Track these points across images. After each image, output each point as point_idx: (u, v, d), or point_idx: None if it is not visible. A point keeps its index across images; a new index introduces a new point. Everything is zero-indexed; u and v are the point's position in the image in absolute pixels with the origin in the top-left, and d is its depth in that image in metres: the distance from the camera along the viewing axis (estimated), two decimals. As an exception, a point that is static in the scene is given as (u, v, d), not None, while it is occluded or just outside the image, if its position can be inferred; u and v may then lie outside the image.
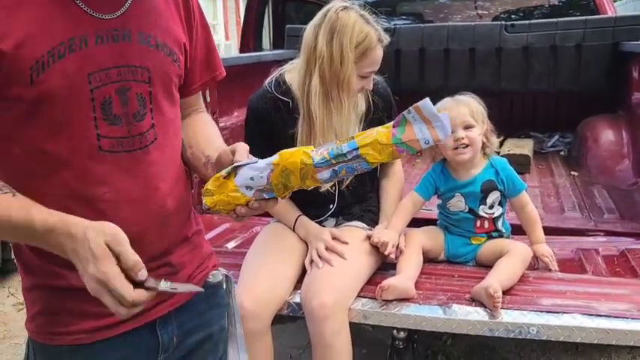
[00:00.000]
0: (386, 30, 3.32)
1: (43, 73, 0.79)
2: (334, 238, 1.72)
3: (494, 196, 1.80)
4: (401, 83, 3.40)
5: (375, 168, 1.93)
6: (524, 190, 1.82)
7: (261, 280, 1.64)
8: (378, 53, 1.70)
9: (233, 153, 0.91)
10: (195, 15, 1.01)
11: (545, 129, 3.56)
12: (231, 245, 2.08)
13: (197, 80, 1.06)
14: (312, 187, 0.93)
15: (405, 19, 4.06)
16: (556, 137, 3.46)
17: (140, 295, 0.76)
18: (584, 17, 3.16)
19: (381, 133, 0.86)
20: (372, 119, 1.80)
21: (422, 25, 3.45)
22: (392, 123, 0.86)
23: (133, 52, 0.87)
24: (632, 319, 1.45)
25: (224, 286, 1.10)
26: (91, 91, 0.83)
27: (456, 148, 1.75)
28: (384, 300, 1.60)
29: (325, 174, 0.87)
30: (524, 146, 3.05)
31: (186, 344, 1.02)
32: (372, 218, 1.88)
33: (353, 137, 0.87)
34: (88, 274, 0.75)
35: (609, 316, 1.47)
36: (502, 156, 2.92)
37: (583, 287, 1.64)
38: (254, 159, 0.91)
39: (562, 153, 3.30)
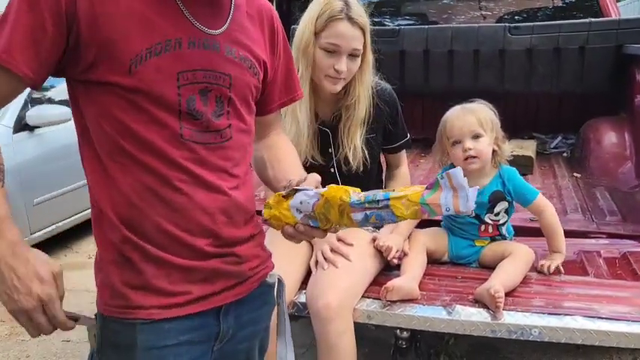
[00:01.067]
0: (390, 31, 3.40)
1: (141, 65, 0.91)
2: (339, 239, 1.74)
3: (502, 206, 1.82)
4: (405, 84, 3.42)
5: (379, 168, 1.99)
6: (536, 197, 1.81)
7: None
8: (341, 26, 1.65)
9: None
10: (279, 39, 1.14)
11: (548, 130, 3.58)
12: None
13: (276, 100, 1.18)
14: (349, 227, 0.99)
15: (408, 19, 4.08)
16: (559, 139, 3.47)
17: (67, 321, 0.94)
18: (587, 20, 3.17)
19: (414, 192, 0.92)
20: (376, 125, 1.82)
21: (426, 26, 3.45)
22: (426, 185, 0.92)
23: (219, 60, 0.99)
24: (632, 321, 1.47)
25: (276, 288, 1.17)
26: (178, 87, 0.94)
27: (466, 159, 1.77)
28: (388, 301, 1.63)
29: (359, 215, 0.95)
30: (527, 147, 3.06)
31: (238, 337, 1.08)
32: (376, 220, 1.90)
33: (393, 189, 0.95)
34: (30, 292, 0.88)
35: (610, 319, 1.49)
36: (504, 157, 2.98)
37: (585, 289, 1.66)
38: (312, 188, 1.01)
39: (565, 154, 3.32)
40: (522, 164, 2.91)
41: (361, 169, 1.81)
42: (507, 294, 1.63)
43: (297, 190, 1.00)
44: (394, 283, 1.63)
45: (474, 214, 1.81)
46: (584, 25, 3.10)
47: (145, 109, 0.93)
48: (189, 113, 0.95)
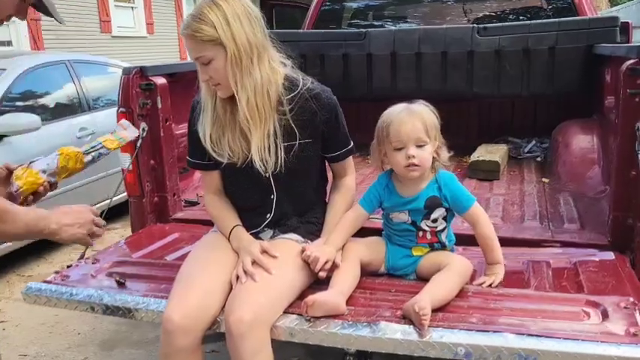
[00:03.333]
0: (356, 34, 3.32)
1: None
2: (264, 251, 1.65)
3: (439, 212, 1.73)
4: (373, 87, 3.34)
5: (323, 177, 1.90)
6: (472, 205, 1.72)
7: (193, 293, 1.58)
8: (184, 42, 1.68)
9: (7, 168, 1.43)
10: None
11: (523, 134, 3.48)
12: (171, 257, 2.03)
13: None
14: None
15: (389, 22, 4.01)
16: (533, 143, 3.36)
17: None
18: (557, 19, 3.08)
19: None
20: (312, 131, 1.74)
21: (392, 28, 3.37)
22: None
23: None
24: (563, 339, 1.37)
25: None
26: None
27: (407, 166, 1.68)
28: (311, 317, 1.54)
29: (88, 157, 1.76)
30: (495, 152, 2.96)
31: None
32: (310, 230, 1.81)
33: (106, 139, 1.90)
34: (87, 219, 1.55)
35: (540, 336, 1.38)
36: (471, 162, 2.88)
37: (521, 304, 1.56)
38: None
39: (538, 159, 3.21)
40: (488, 170, 2.82)
41: (287, 170, 1.71)
42: (439, 309, 1.53)
43: (32, 162, 1.62)
44: (316, 297, 1.53)
45: (410, 221, 1.72)
46: (553, 25, 3.00)
47: None
48: None
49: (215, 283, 1.63)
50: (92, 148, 1.76)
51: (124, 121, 1.87)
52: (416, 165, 1.67)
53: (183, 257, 1.99)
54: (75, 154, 1.67)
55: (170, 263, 1.96)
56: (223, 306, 1.60)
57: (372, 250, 1.79)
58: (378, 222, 1.94)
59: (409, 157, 1.66)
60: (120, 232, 4.41)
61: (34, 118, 3.80)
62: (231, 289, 1.64)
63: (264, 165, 1.69)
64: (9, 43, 8.64)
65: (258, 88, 1.65)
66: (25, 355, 2.87)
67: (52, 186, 1.70)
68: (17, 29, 8.70)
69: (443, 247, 1.76)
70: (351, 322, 1.52)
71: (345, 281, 1.66)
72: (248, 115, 1.65)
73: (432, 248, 1.75)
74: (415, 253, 1.75)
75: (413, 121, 1.67)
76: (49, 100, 4.44)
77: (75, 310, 1.74)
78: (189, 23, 1.61)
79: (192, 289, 1.59)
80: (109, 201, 2.46)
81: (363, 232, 1.87)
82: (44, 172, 1.56)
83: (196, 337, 1.56)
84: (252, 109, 1.65)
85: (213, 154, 1.73)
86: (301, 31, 3.90)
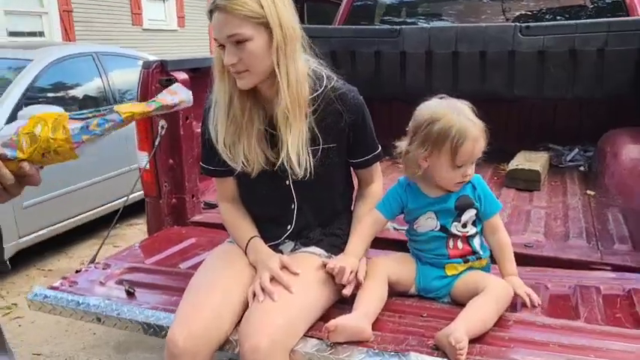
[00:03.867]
0: (390, 31, 3.15)
1: None
2: (284, 266, 1.51)
3: (469, 214, 1.57)
4: (406, 86, 3.17)
5: (349, 184, 1.75)
6: (498, 211, 1.59)
7: (200, 313, 1.44)
8: (214, 18, 1.44)
9: None
10: None
11: (566, 141, 3.26)
12: (186, 265, 1.90)
13: None
14: (62, 149, 0.88)
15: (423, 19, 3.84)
16: (576, 151, 3.14)
17: None
18: (607, 19, 2.85)
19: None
20: (336, 134, 1.59)
21: (428, 26, 3.19)
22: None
23: None
24: (622, 385, 1.19)
25: None
26: None
27: (459, 182, 1.53)
28: (333, 342, 1.39)
29: (77, 125, 0.87)
30: (536, 160, 2.76)
31: None
32: (334, 243, 1.66)
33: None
34: None
35: (594, 380, 1.21)
36: (509, 171, 2.69)
37: (571, 338, 1.38)
38: None
39: (582, 168, 2.99)
40: (528, 179, 2.63)
41: (310, 176, 1.53)
42: (476, 340, 1.37)
43: None
44: (338, 321, 1.38)
45: (439, 227, 1.56)
46: (602, 25, 2.78)
47: None
48: None
49: (226, 301, 1.48)
50: (94, 112, 0.96)
51: (177, 85, 1.07)
52: (466, 182, 1.55)
53: (198, 266, 1.86)
54: (54, 118, 0.88)
55: (184, 272, 1.84)
56: (237, 324, 1.47)
57: (402, 267, 1.63)
58: (403, 232, 1.78)
59: (465, 175, 1.52)
60: (142, 227, 4.33)
61: (58, 110, 3.74)
62: (245, 306, 1.50)
63: (293, 170, 1.52)
64: (41, 34, 8.69)
65: (300, 79, 1.49)
66: (39, 355, 2.80)
67: (17, 167, 0.87)
68: (50, 20, 8.75)
69: (478, 258, 1.59)
70: (376, 351, 1.36)
71: (370, 302, 1.50)
72: (289, 106, 1.47)
73: (466, 262, 1.59)
74: (449, 272, 1.59)
75: (480, 139, 1.50)
76: (75, 92, 4.40)
77: (81, 320, 1.63)
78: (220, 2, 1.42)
79: (199, 308, 1.45)
80: (125, 198, 2.34)
81: (387, 245, 1.71)
82: None
83: None
84: (294, 102, 1.48)
85: (226, 159, 1.57)
86: (332, 26, 3.74)
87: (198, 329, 1.40)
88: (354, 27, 3.55)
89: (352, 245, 1.59)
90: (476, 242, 1.58)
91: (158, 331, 1.53)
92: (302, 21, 3.72)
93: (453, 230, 1.57)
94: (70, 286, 1.73)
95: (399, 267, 1.62)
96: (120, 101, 4.59)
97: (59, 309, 1.63)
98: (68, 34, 8.94)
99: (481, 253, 1.59)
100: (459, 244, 1.58)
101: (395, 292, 1.60)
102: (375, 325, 1.46)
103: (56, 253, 4.08)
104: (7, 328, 3.02)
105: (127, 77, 4.84)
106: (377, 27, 3.68)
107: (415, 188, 1.61)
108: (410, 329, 1.45)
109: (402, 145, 1.58)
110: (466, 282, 1.55)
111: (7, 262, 3.57)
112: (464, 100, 1.56)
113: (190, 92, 1.06)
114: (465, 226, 1.57)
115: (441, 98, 1.57)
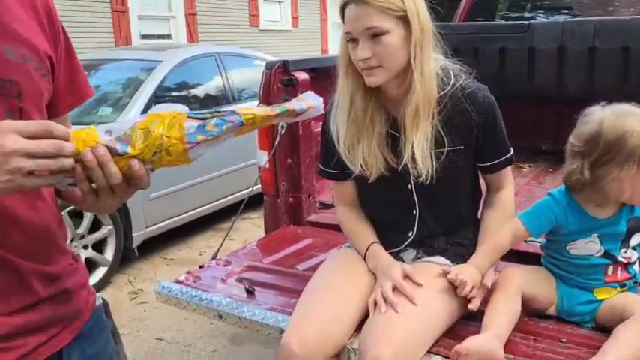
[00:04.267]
0: (518, 26, 2.94)
1: None
2: (406, 276, 1.43)
3: (637, 239, 1.39)
4: (535, 85, 2.95)
5: (477, 190, 1.63)
6: None
7: (315, 318, 1.41)
8: (349, 11, 1.39)
9: None
10: (56, 22, 0.91)
11: None
12: (303, 266, 1.89)
13: (62, 101, 0.94)
14: (177, 147, 0.80)
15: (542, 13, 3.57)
16: None
17: None
18: None
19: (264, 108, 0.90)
20: (464, 136, 1.48)
21: (561, 19, 2.94)
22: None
23: (0, 64, 0.78)
24: None
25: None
26: None
27: None
28: (460, 363, 1.29)
29: (193, 123, 0.81)
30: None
31: None
32: (460, 253, 1.55)
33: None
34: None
35: None
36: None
37: None
38: None
39: None
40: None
41: (433, 181, 1.45)
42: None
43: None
44: (469, 345, 1.27)
45: (602, 252, 1.39)
46: None
47: None
48: None
49: (344, 307, 1.44)
50: (213, 112, 0.88)
51: (307, 93, 1.00)
52: None
53: (314, 268, 1.84)
54: (172, 116, 0.85)
55: (301, 274, 1.82)
56: (352, 333, 1.42)
57: (539, 282, 1.47)
58: (536, 244, 1.62)
59: None
60: (255, 221, 4.46)
61: (183, 109, 3.95)
62: (363, 313, 1.45)
63: (418, 173, 1.45)
64: (168, 37, 9.30)
65: (432, 76, 1.43)
66: (161, 340, 2.96)
67: (126, 165, 0.82)
68: (177, 24, 9.33)
69: (635, 282, 1.41)
70: (509, 378, 1.25)
71: (502, 320, 1.38)
72: (421, 104, 1.41)
73: (623, 286, 1.41)
74: (600, 296, 1.41)
75: None
76: (198, 91, 4.63)
77: (202, 315, 1.67)
78: None
79: (314, 313, 1.42)
80: (249, 190, 2.36)
81: (512, 257, 1.57)
82: (109, 133, 0.83)
83: None
84: (426, 100, 1.41)
85: (345, 161, 1.52)
86: (454, 23, 3.59)
87: (312, 334, 1.38)
88: (478, 23, 3.37)
89: (479, 256, 1.47)
90: (635, 267, 1.41)
91: (276, 333, 1.52)
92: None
93: (619, 257, 1.40)
94: (194, 281, 1.78)
95: (536, 281, 1.47)
96: (238, 99, 4.76)
97: (183, 303, 1.69)
98: (192, 36, 9.48)
99: (638, 277, 1.41)
100: (619, 273, 1.40)
101: (528, 309, 1.46)
102: (507, 347, 1.34)
103: (177, 242, 4.31)
104: (133, 311, 3.24)
105: (245, 76, 5.01)
106: (504, 22, 3.48)
107: (578, 207, 1.42)
108: (547, 355, 1.32)
109: (573, 168, 1.38)
110: (613, 305, 1.38)
111: (135, 250, 3.84)
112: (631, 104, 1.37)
113: (321, 99, 0.96)
114: (633, 249, 1.40)
115: (602, 107, 1.39)
